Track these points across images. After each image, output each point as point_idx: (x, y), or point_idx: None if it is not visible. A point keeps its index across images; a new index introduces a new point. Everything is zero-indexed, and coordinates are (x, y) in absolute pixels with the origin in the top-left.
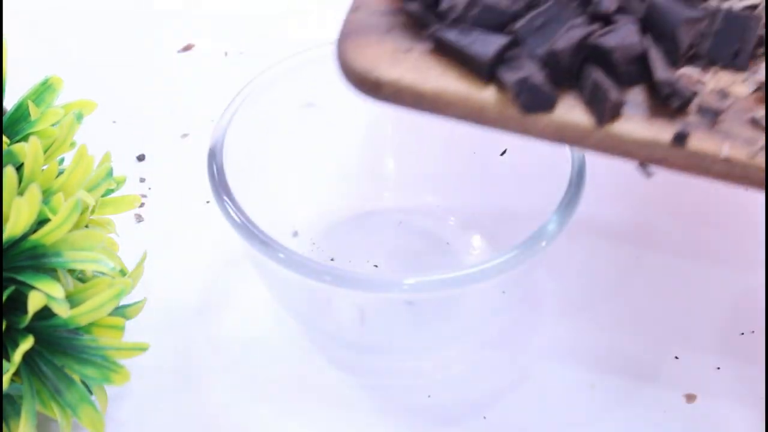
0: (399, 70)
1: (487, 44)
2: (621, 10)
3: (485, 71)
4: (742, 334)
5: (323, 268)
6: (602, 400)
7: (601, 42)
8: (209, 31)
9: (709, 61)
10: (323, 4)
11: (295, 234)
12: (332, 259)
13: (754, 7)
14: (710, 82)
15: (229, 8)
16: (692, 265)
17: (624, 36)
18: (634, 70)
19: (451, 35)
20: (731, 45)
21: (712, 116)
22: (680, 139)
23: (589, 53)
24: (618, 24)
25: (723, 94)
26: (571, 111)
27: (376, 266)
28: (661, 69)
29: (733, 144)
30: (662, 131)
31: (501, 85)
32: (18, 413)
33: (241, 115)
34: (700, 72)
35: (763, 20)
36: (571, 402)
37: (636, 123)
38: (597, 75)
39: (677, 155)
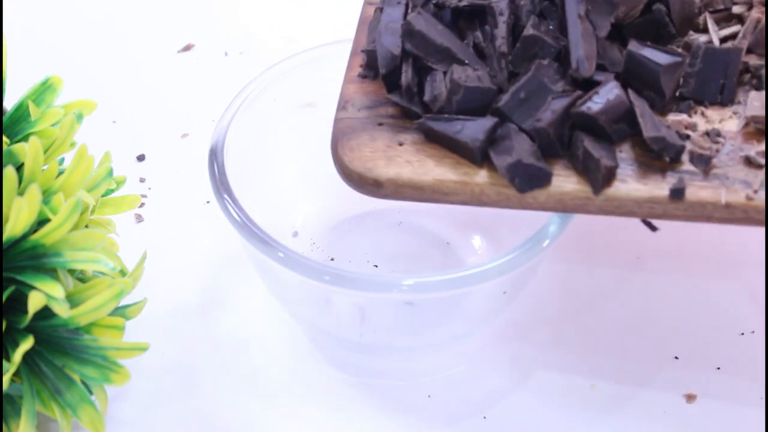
0: (395, 167)
1: (475, 130)
2: (599, 67)
3: (477, 157)
4: (742, 334)
5: (323, 268)
6: (602, 400)
7: (586, 109)
8: (209, 31)
9: (695, 101)
10: (323, 5)
11: (295, 234)
12: (332, 259)
13: (733, 36)
14: (700, 123)
15: (229, 8)
16: (692, 265)
17: (607, 98)
18: (623, 127)
19: (440, 125)
20: (715, 82)
21: (705, 164)
22: (677, 193)
23: (576, 120)
24: (600, 86)
25: (714, 134)
26: (567, 181)
27: (376, 266)
28: (649, 126)
29: (730, 189)
30: (658, 187)
31: (495, 168)
32: (18, 413)
33: (241, 115)
34: (688, 115)
35: (744, 50)
36: (571, 402)
37: (632, 183)
38: (587, 144)
39: (677, 209)
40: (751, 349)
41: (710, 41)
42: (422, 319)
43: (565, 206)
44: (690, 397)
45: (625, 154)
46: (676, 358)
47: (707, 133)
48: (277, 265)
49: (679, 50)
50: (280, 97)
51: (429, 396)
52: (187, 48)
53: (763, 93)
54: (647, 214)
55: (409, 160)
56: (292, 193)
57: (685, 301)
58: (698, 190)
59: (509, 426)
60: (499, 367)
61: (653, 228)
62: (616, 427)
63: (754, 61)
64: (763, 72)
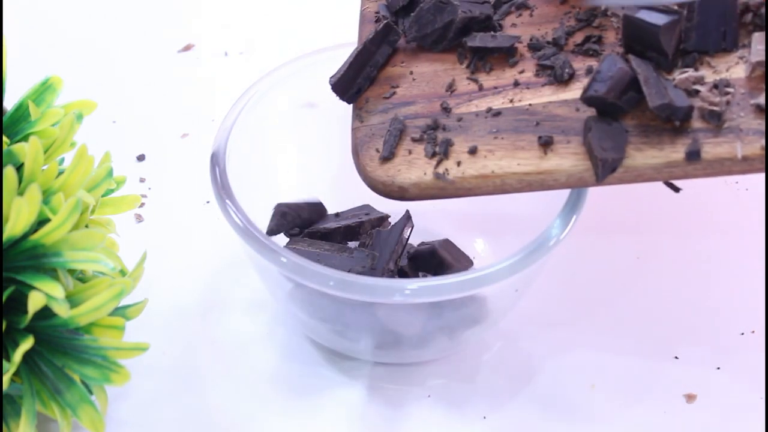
0: (416, 170)
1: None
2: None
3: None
4: (742, 334)
5: (327, 272)
6: (602, 400)
7: (594, 93)
8: (209, 31)
9: (700, 52)
10: (323, 4)
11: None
12: None
13: None
14: (708, 75)
15: (229, 8)
16: (692, 265)
17: (610, 74)
18: (632, 96)
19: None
20: (716, 30)
21: (718, 119)
22: (693, 155)
23: (589, 103)
24: (600, 61)
25: (723, 84)
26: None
27: None
28: (653, 94)
29: (745, 140)
30: (674, 151)
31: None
32: (18, 413)
33: (243, 119)
34: (694, 69)
35: None
36: (571, 402)
37: (648, 150)
38: (591, 138)
39: (696, 169)
40: (751, 349)
41: None
42: (422, 319)
43: (585, 182)
44: (690, 397)
45: (637, 120)
46: (676, 358)
47: (716, 86)
48: (279, 269)
49: (675, 7)
50: (280, 100)
51: (429, 396)
52: (187, 48)
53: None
54: (667, 177)
55: (428, 161)
56: (294, 195)
57: (685, 301)
58: (714, 148)
59: (509, 426)
60: (499, 367)
61: (676, 189)
62: (615, 427)
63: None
64: (764, 10)
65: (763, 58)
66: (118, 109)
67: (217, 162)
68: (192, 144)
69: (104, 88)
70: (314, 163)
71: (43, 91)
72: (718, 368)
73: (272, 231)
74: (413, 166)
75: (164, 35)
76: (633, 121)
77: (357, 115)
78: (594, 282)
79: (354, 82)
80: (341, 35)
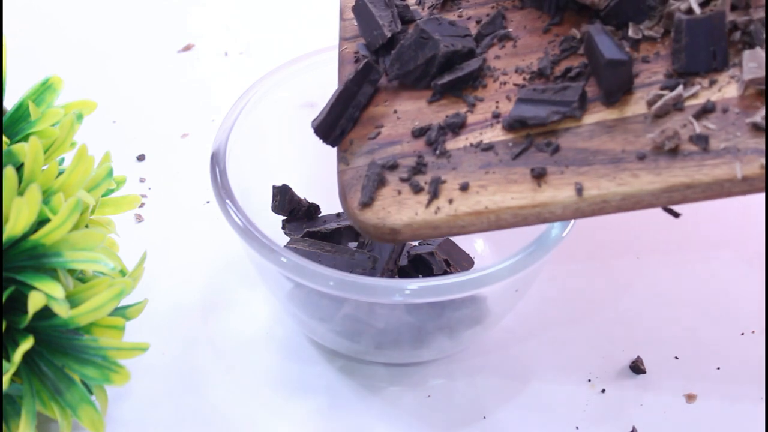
0: (407, 210)
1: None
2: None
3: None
4: (742, 334)
5: (326, 273)
6: (602, 400)
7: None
8: (209, 31)
9: (691, 74)
10: (322, 5)
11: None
12: None
13: (708, 2)
14: (700, 93)
15: (229, 8)
16: (692, 265)
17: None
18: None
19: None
20: (705, 51)
21: (705, 142)
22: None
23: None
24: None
25: (722, 108)
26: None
27: None
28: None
29: (744, 160)
30: (672, 175)
31: None
32: (18, 413)
33: (243, 119)
34: (685, 87)
35: (727, 11)
36: (571, 402)
37: (645, 176)
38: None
39: (695, 192)
40: (751, 349)
41: (690, 9)
42: (421, 319)
43: (583, 213)
44: (690, 397)
45: (631, 147)
46: (676, 358)
47: (705, 109)
48: (279, 270)
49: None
50: (280, 100)
51: (429, 396)
52: (187, 48)
53: (757, 51)
54: (666, 203)
55: (419, 201)
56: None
57: (684, 301)
58: (713, 170)
59: (509, 426)
60: (499, 367)
61: (676, 214)
62: (615, 427)
63: (740, 17)
64: (753, 27)
65: (755, 75)
66: (118, 109)
67: (217, 162)
68: (192, 144)
69: (104, 88)
70: (314, 163)
71: (43, 91)
72: (718, 368)
73: (276, 208)
74: (404, 206)
75: (164, 35)
76: (628, 147)
77: (342, 158)
78: (593, 282)
79: (337, 124)
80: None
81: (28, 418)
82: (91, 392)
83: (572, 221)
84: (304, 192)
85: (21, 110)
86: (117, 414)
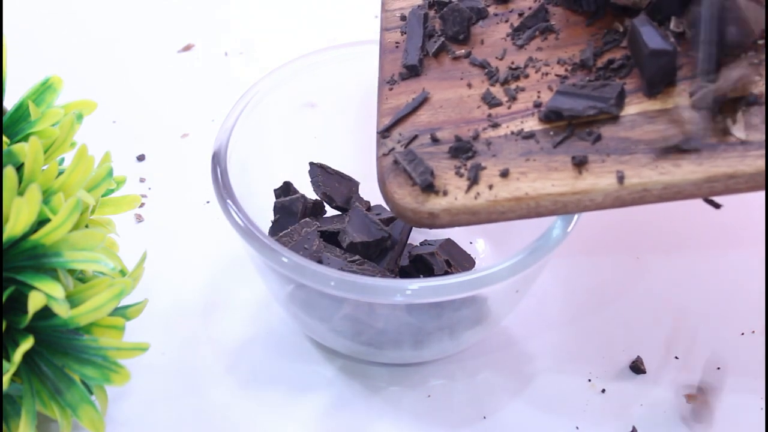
0: (447, 197)
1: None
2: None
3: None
4: (742, 334)
5: (327, 273)
6: (602, 400)
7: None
8: (209, 31)
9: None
10: (322, 5)
11: None
12: None
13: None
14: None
15: (229, 8)
16: (692, 266)
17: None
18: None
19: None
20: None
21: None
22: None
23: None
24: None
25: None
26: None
27: None
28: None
29: None
30: (714, 165)
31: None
32: (18, 413)
33: (243, 119)
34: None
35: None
36: (571, 402)
37: (687, 165)
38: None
39: (738, 182)
40: (751, 349)
41: None
42: (422, 320)
43: (624, 201)
44: (690, 397)
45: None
46: (676, 358)
47: (746, 102)
48: (280, 269)
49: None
50: (281, 100)
51: (429, 396)
52: (187, 48)
53: None
54: (708, 193)
55: (458, 186)
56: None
57: (685, 301)
58: (756, 160)
59: (509, 426)
60: (499, 367)
61: (717, 206)
62: (615, 427)
63: None
64: None
65: None
66: (118, 109)
67: (218, 162)
68: (192, 144)
69: (104, 88)
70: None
71: (43, 91)
72: (718, 368)
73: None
74: (442, 191)
75: (164, 35)
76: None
77: (382, 143)
78: (594, 282)
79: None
80: (341, 35)
81: (28, 418)
82: (91, 392)
83: (573, 221)
84: (303, 191)
85: (21, 110)
86: (117, 414)
